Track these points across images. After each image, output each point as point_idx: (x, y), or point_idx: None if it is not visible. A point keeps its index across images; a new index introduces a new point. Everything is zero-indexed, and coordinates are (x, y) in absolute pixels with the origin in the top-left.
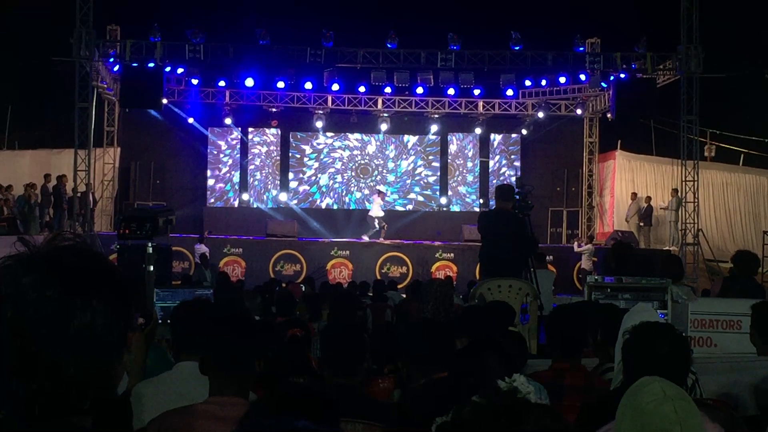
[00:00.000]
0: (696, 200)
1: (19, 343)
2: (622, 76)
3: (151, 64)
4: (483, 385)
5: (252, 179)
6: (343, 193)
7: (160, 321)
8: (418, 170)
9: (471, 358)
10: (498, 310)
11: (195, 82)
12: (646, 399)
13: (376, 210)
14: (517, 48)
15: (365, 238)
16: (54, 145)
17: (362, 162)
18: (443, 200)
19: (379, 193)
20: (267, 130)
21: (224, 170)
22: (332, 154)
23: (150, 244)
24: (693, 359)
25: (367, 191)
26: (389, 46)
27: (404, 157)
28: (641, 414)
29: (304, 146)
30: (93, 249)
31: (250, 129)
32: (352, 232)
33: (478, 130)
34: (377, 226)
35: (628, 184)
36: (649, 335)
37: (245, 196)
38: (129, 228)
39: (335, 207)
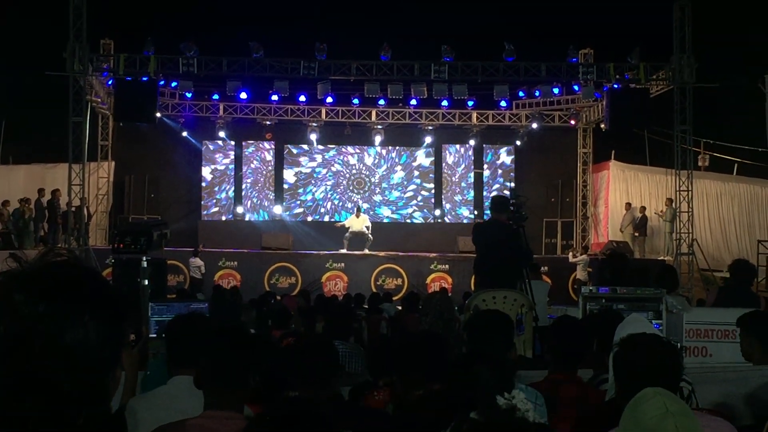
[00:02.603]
0: (690, 210)
1: (12, 360)
2: (616, 86)
3: (145, 78)
4: (478, 398)
5: (246, 192)
6: (338, 205)
7: (154, 335)
8: (412, 182)
9: (466, 371)
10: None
11: (189, 95)
12: (649, 414)
13: (358, 224)
14: (510, 59)
15: (366, 251)
16: (48, 160)
17: (357, 174)
18: (437, 212)
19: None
20: (261, 143)
21: (218, 183)
22: (327, 167)
23: (145, 259)
24: (686, 369)
25: (364, 204)
26: (382, 58)
27: (398, 168)
28: (642, 429)
29: (298, 159)
30: (86, 264)
31: (244, 142)
32: (347, 244)
33: (472, 142)
34: (368, 238)
35: (623, 194)
36: (637, 347)
37: (240, 209)
38: (123, 242)
39: (330, 219)
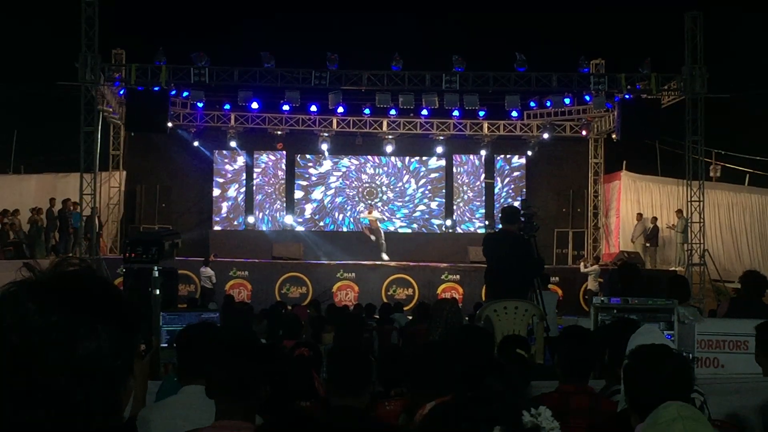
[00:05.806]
0: (702, 220)
1: (24, 371)
2: (627, 97)
3: (156, 88)
4: (499, 413)
5: (257, 202)
6: (349, 215)
7: (165, 345)
8: (424, 192)
9: (477, 382)
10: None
11: (200, 105)
12: (662, 419)
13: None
14: (521, 69)
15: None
16: (60, 169)
17: (368, 184)
18: (448, 222)
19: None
20: (272, 153)
21: (230, 193)
22: (338, 177)
23: (156, 268)
24: (698, 380)
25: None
26: (394, 68)
27: (409, 179)
28: (654, 430)
29: (309, 168)
30: (99, 274)
31: (255, 152)
32: (359, 254)
33: (483, 152)
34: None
35: (634, 205)
36: (647, 358)
37: (251, 219)
38: (135, 252)
39: (341, 229)
